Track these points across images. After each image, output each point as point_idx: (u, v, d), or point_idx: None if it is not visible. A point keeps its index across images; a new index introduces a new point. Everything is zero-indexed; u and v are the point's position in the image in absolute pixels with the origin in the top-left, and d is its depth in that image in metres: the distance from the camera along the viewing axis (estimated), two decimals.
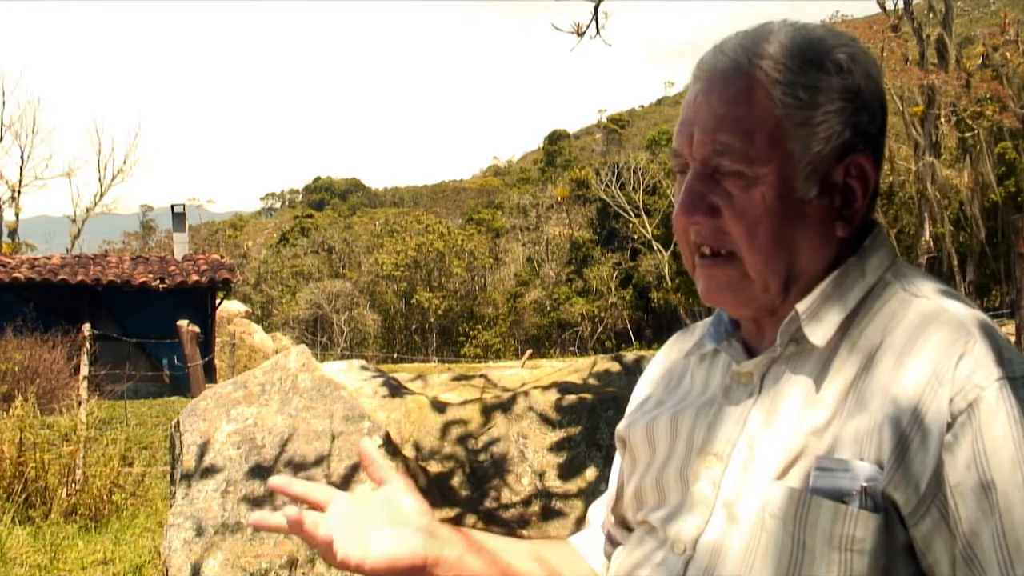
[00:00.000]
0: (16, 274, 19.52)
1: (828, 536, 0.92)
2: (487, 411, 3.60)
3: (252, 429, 3.46)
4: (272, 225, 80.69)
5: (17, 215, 34.33)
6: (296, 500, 1.12)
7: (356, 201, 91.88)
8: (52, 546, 6.40)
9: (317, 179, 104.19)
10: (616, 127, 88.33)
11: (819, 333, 1.01)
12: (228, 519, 3.29)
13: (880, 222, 1.09)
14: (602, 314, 43.82)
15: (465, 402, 3.67)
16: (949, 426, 0.90)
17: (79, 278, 19.59)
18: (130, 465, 8.51)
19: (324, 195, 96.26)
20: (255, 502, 3.31)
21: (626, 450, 1.19)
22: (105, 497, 7.41)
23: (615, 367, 4.06)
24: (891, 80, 27.23)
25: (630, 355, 4.34)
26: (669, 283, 41.35)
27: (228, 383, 3.72)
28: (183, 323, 13.53)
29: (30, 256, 24.54)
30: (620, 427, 1.21)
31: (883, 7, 29.99)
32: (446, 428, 3.55)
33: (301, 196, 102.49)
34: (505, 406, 3.59)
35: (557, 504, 3.37)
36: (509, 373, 4.28)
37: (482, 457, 3.46)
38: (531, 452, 3.46)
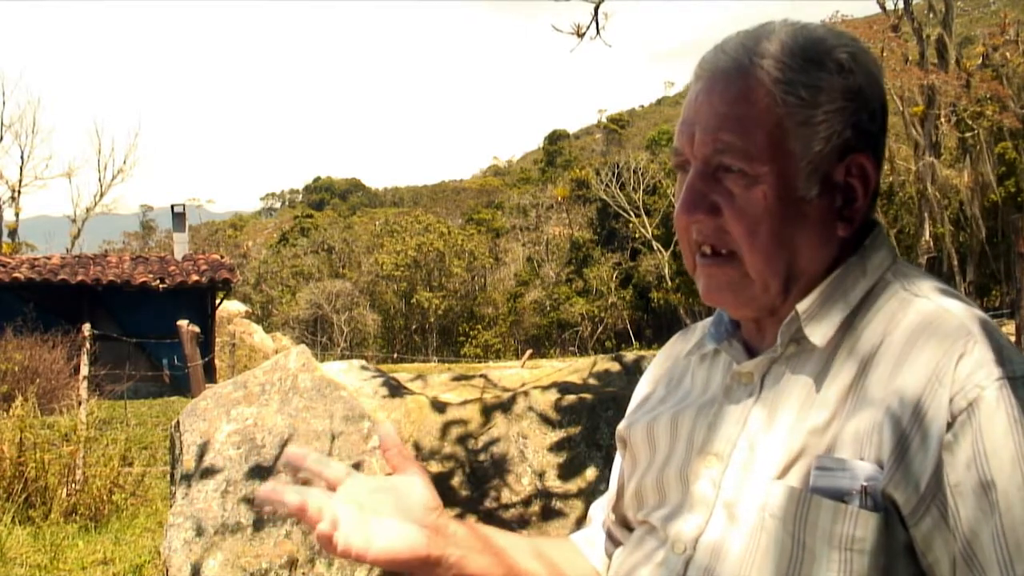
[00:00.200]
0: (16, 274, 19.53)
1: (828, 536, 0.93)
2: (487, 411, 3.60)
3: (252, 429, 3.46)
4: (272, 225, 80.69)
5: (17, 215, 34.34)
6: (308, 477, 1.09)
7: (356, 201, 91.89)
8: (52, 546, 6.40)
9: (317, 179, 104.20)
10: (616, 127, 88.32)
11: (819, 333, 1.01)
12: (228, 519, 3.29)
13: (880, 222, 1.09)
14: (602, 314, 43.82)
15: (465, 402, 3.67)
16: (949, 426, 0.90)
17: (79, 278, 19.59)
18: (130, 465, 8.52)
19: (324, 195, 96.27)
20: (255, 502, 3.31)
21: (626, 450, 1.19)
22: (105, 497, 7.41)
23: (615, 367, 4.06)
24: (891, 80, 27.22)
25: (630, 355, 4.34)
26: (669, 283, 41.35)
27: (228, 383, 3.71)
28: (183, 323, 13.52)
29: (30, 256, 24.54)
30: (620, 427, 1.21)
31: (883, 7, 29.99)
32: (446, 428, 3.55)
33: (301, 196, 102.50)
34: (505, 406, 3.59)
35: (557, 504, 3.37)
36: (509, 373, 4.28)
37: (482, 457, 3.46)
38: (531, 452, 3.46)
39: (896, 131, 29.56)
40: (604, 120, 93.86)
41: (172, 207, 24.25)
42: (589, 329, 43.85)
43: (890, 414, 0.92)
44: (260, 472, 3.36)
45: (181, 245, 23.00)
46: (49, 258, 21.96)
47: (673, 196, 1.10)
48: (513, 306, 46.12)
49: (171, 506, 3.47)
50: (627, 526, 1.19)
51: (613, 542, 1.22)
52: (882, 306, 1.01)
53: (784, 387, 1.01)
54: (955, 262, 30.72)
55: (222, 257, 23.87)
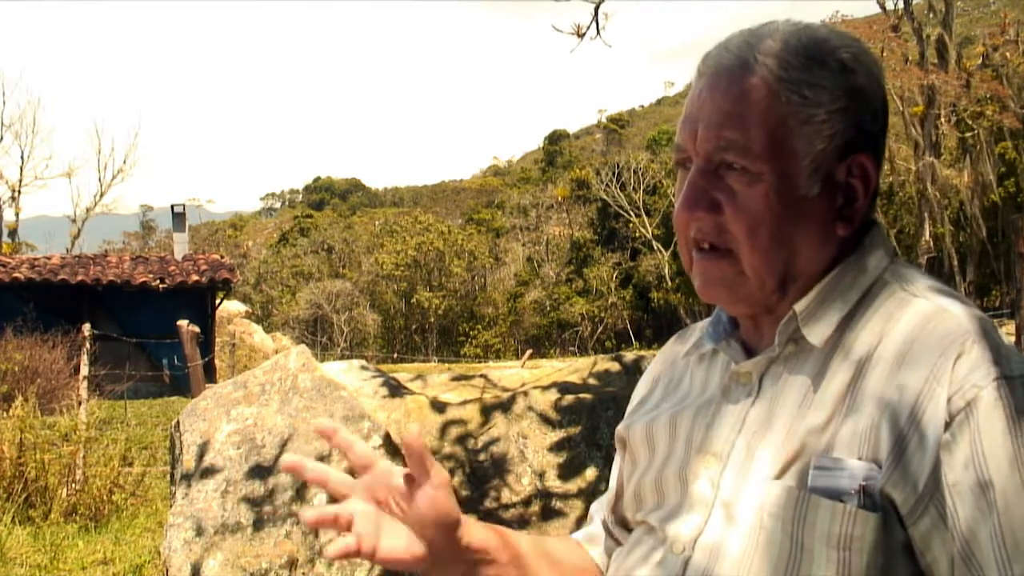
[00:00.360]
0: (16, 274, 19.52)
1: (826, 535, 0.93)
2: (487, 411, 3.60)
3: (252, 429, 3.46)
4: (272, 225, 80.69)
5: (17, 215, 34.33)
6: (313, 483, 1.08)
7: (356, 201, 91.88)
8: (52, 546, 6.40)
9: (317, 179, 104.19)
10: (616, 127, 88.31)
11: (817, 333, 1.01)
12: (228, 519, 3.29)
13: (879, 222, 1.09)
14: (602, 314, 43.80)
15: (465, 402, 3.67)
16: (947, 425, 0.90)
17: (79, 278, 19.59)
18: (130, 465, 8.51)
19: (324, 195, 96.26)
20: (255, 502, 3.31)
21: (626, 451, 1.20)
22: (105, 497, 7.41)
23: (615, 367, 4.06)
24: (891, 80, 27.19)
25: (630, 355, 4.34)
26: (669, 283, 41.34)
27: (228, 383, 3.72)
28: (183, 323, 13.52)
29: (30, 256, 24.54)
30: (619, 428, 1.21)
31: (883, 7, 29.98)
32: (446, 428, 3.55)
33: (301, 196, 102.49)
34: (505, 406, 3.59)
35: (557, 504, 3.37)
36: (509, 373, 4.28)
37: (482, 457, 3.46)
38: (531, 452, 3.46)
39: (896, 131, 29.54)
40: (604, 120, 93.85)
41: (172, 207, 24.25)
42: (589, 329, 43.84)
43: (888, 414, 0.93)
44: (260, 472, 3.37)
45: (181, 245, 23.00)
46: (49, 258, 21.96)
47: (673, 196, 1.10)
48: (513, 306, 46.12)
49: (171, 506, 3.47)
50: (626, 527, 1.19)
51: (613, 541, 1.22)
52: (880, 306, 1.01)
53: (782, 387, 1.02)
54: (955, 262, 30.71)
55: (222, 257, 23.87)
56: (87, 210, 34.99)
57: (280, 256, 55.77)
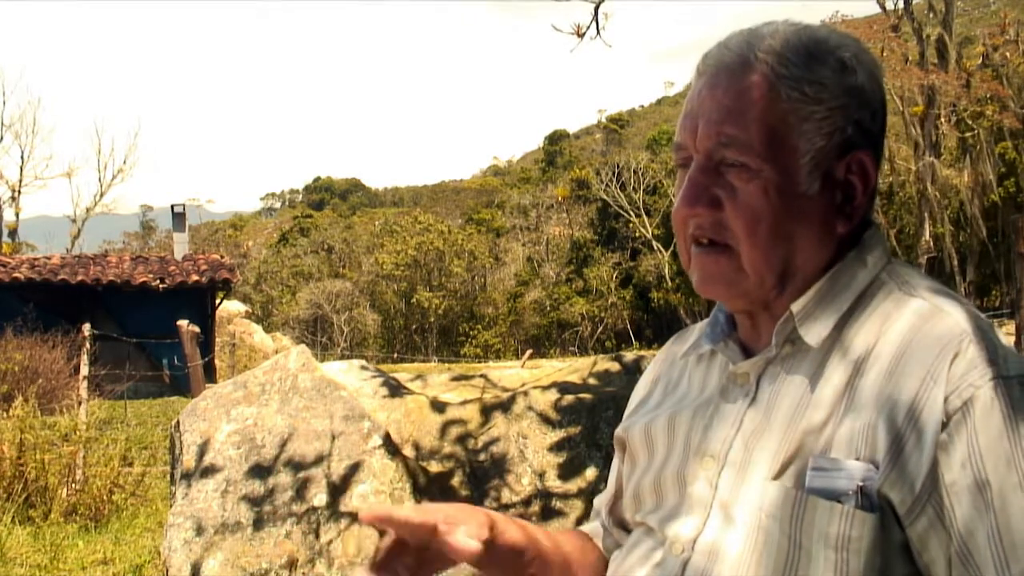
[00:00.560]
0: (16, 274, 19.52)
1: (824, 536, 0.93)
2: (487, 411, 3.60)
3: (252, 429, 3.46)
4: (272, 225, 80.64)
5: (17, 215, 34.31)
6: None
7: (356, 201, 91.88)
8: (52, 546, 6.40)
9: (317, 179, 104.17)
10: (616, 127, 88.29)
11: (814, 333, 1.01)
12: (228, 519, 3.29)
13: (876, 222, 1.09)
14: (602, 314, 43.80)
15: (465, 402, 3.67)
16: (944, 425, 0.90)
17: (79, 278, 19.59)
18: (130, 465, 8.51)
19: (324, 195, 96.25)
20: (255, 502, 3.31)
21: (624, 452, 1.20)
22: (105, 497, 7.41)
23: (615, 367, 4.06)
24: (891, 80, 27.19)
25: (630, 355, 4.34)
26: (669, 283, 41.35)
27: (228, 383, 3.72)
28: (183, 323, 13.52)
29: (30, 256, 24.53)
30: (618, 430, 1.22)
31: (883, 7, 29.96)
32: (446, 428, 3.55)
33: (301, 196, 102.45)
34: (505, 406, 3.59)
35: (557, 504, 3.37)
36: (509, 373, 4.29)
37: (482, 457, 3.46)
38: (531, 452, 3.46)
39: (896, 131, 29.53)
40: (604, 120, 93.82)
41: (172, 207, 24.24)
42: (589, 329, 43.83)
43: (885, 414, 0.93)
44: (260, 472, 3.37)
45: (181, 245, 22.99)
46: (49, 258, 21.95)
47: (673, 196, 1.10)
48: (513, 306, 46.12)
49: (171, 506, 3.47)
50: (624, 528, 1.20)
51: (612, 541, 1.23)
52: (877, 306, 1.01)
53: (780, 387, 1.02)
54: (955, 262, 30.70)
55: (222, 257, 23.87)
56: (87, 210, 34.98)
57: (280, 256, 55.77)
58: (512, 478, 3.41)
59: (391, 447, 3.41)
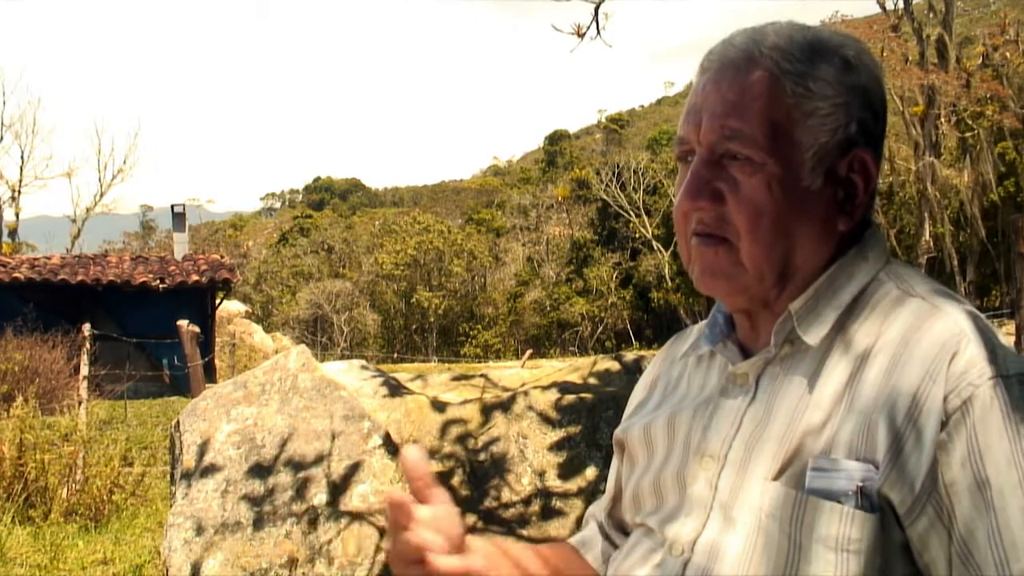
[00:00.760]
0: (16, 274, 19.52)
1: (824, 536, 0.93)
2: (487, 411, 3.60)
3: (252, 429, 3.46)
4: (272, 225, 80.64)
5: (17, 215, 34.30)
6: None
7: (356, 201, 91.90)
8: (52, 546, 6.40)
9: (317, 179, 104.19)
10: (616, 127, 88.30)
11: (813, 333, 1.01)
12: (228, 519, 3.29)
13: (875, 221, 1.09)
14: (602, 314, 43.81)
15: (465, 402, 3.67)
16: (943, 424, 0.90)
17: (79, 278, 19.59)
18: (130, 465, 8.51)
19: (324, 195, 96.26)
20: (255, 502, 3.31)
21: (624, 453, 1.20)
22: (105, 497, 7.41)
23: (615, 367, 4.06)
24: (891, 80, 27.18)
25: (630, 355, 4.34)
26: (669, 283, 41.35)
27: (228, 383, 3.72)
28: (183, 323, 13.52)
29: (30, 256, 24.53)
30: (617, 431, 1.22)
31: (883, 7, 29.96)
32: (446, 428, 3.55)
33: (301, 196, 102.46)
34: (505, 406, 3.59)
35: (557, 503, 3.37)
36: (509, 373, 4.28)
37: (482, 457, 3.46)
38: (531, 452, 3.46)
39: (896, 131, 29.54)
40: (604, 120, 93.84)
41: (172, 207, 24.24)
42: (589, 329, 43.84)
43: (885, 414, 0.93)
44: (260, 472, 3.37)
45: (181, 245, 22.99)
46: (49, 258, 21.95)
47: (673, 195, 1.10)
48: (513, 306, 46.12)
49: (171, 506, 3.47)
50: (623, 530, 1.19)
51: (609, 544, 1.22)
52: (876, 305, 1.01)
53: (779, 388, 1.02)
54: (955, 262, 30.70)
55: (222, 257, 23.86)
56: (87, 210, 34.98)
57: (280, 256, 55.77)
58: (512, 478, 3.41)
59: (391, 447, 3.41)
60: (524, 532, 3.30)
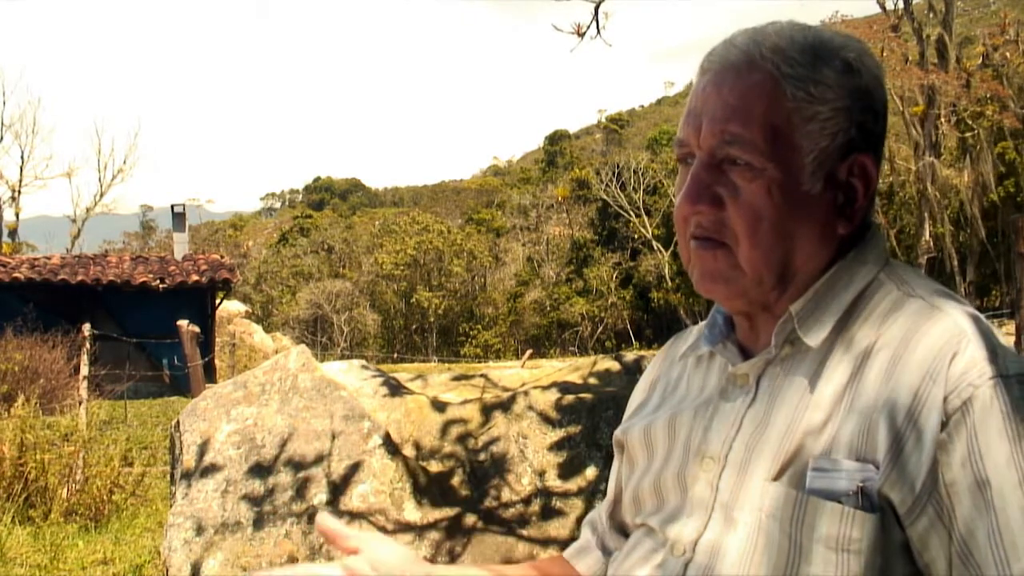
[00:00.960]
0: (16, 274, 19.53)
1: (824, 537, 0.93)
2: (487, 411, 3.60)
3: (252, 429, 3.46)
4: (272, 225, 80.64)
5: (17, 215, 34.31)
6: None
7: (356, 201, 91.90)
8: (52, 546, 6.40)
9: (317, 179, 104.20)
10: (616, 127, 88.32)
11: (813, 334, 1.01)
12: (228, 519, 3.29)
13: (876, 223, 1.09)
14: (602, 314, 43.81)
15: (465, 402, 3.67)
16: (943, 425, 0.90)
17: (79, 278, 19.59)
18: (130, 465, 8.52)
19: (324, 195, 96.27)
20: (255, 502, 3.31)
21: (624, 454, 1.20)
22: (105, 497, 7.41)
23: (615, 367, 4.06)
24: (891, 80, 27.18)
25: (630, 355, 4.34)
26: (669, 283, 41.36)
27: (228, 383, 3.72)
28: (183, 323, 13.53)
29: (30, 256, 24.53)
30: (617, 432, 1.22)
31: (883, 7, 29.96)
32: (446, 428, 3.55)
33: (301, 196, 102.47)
34: (505, 406, 3.59)
35: (557, 503, 3.37)
36: (509, 373, 4.28)
37: (482, 456, 3.46)
38: (531, 451, 3.46)
39: (896, 131, 29.54)
40: (604, 120, 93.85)
41: (172, 207, 24.24)
42: (589, 329, 43.85)
43: (885, 414, 0.93)
44: (260, 472, 3.37)
45: (181, 245, 22.99)
46: (49, 258, 21.95)
47: (673, 196, 1.10)
48: (513, 306, 46.13)
49: (171, 506, 3.47)
50: (623, 532, 1.19)
51: (607, 553, 1.22)
52: (876, 306, 1.01)
53: (779, 388, 1.02)
54: (955, 262, 30.71)
55: (222, 257, 23.87)
56: (87, 210, 34.99)
57: (280, 256, 55.77)
58: (512, 477, 3.41)
59: (391, 447, 3.41)
60: (524, 532, 3.30)
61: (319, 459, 3.37)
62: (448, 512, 3.31)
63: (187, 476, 3.41)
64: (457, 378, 4.10)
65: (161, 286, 19.87)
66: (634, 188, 45.42)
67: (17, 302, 17.95)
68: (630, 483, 1.16)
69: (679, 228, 1.06)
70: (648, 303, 43.62)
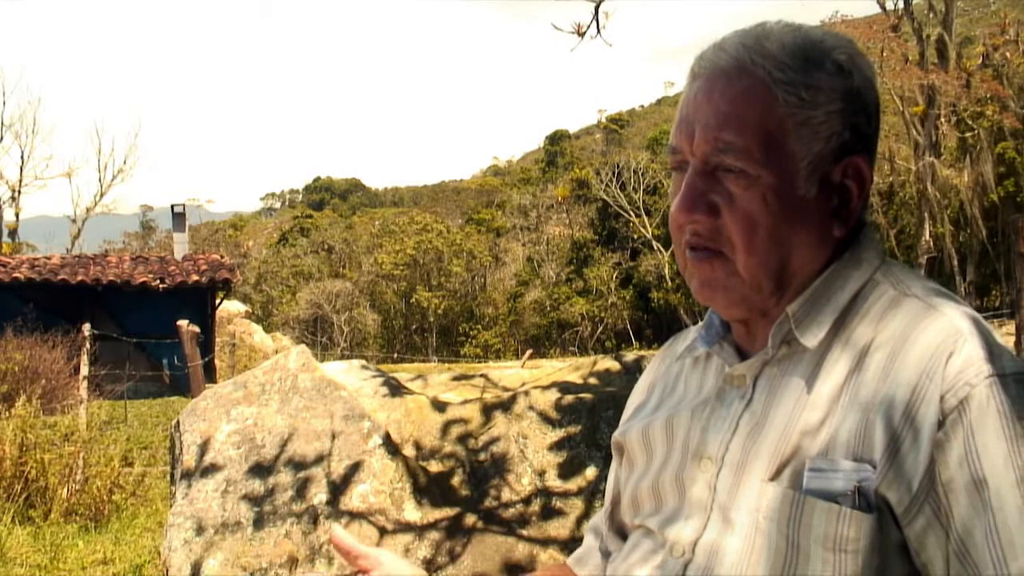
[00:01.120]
0: (16, 274, 19.51)
1: (822, 537, 0.93)
2: (487, 411, 3.60)
3: (252, 429, 3.46)
4: (272, 225, 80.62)
5: (17, 215, 34.29)
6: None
7: (356, 201, 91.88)
8: (52, 546, 6.40)
9: (317, 179, 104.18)
10: (616, 127, 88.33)
11: (810, 334, 1.01)
12: (228, 519, 3.29)
13: (870, 223, 1.09)
14: (602, 314, 43.79)
15: (465, 402, 3.67)
16: (940, 424, 0.90)
17: (79, 278, 19.58)
18: (130, 465, 8.52)
19: (324, 195, 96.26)
20: (255, 502, 3.31)
21: (623, 456, 1.20)
22: (105, 497, 7.41)
23: (615, 367, 4.07)
24: (891, 80, 27.19)
25: (630, 355, 4.34)
26: (669, 283, 41.33)
27: (228, 383, 3.72)
28: (183, 323, 13.53)
29: (30, 256, 24.51)
30: (616, 434, 1.22)
31: (883, 7, 29.94)
32: (446, 428, 3.55)
33: (301, 196, 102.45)
34: (505, 406, 3.60)
35: (557, 503, 3.37)
36: (509, 373, 4.29)
37: (482, 456, 3.47)
38: (531, 451, 3.47)
39: (896, 131, 29.55)
40: (604, 120, 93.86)
41: (172, 207, 24.22)
42: (589, 329, 43.83)
43: (882, 414, 0.93)
44: (260, 472, 3.37)
45: (181, 245, 22.98)
46: (49, 258, 21.94)
47: (671, 195, 1.09)
48: (513, 306, 46.12)
49: (171, 506, 3.47)
50: (623, 535, 1.19)
51: (607, 557, 1.22)
52: (872, 306, 1.01)
53: (776, 389, 1.02)
54: (955, 262, 30.70)
55: (222, 257, 23.85)
56: (87, 210, 34.97)
57: (280, 256, 55.73)
58: (512, 477, 3.42)
59: (391, 447, 3.41)
60: (524, 532, 3.30)
61: (319, 459, 3.37)
62: (448, 512, 3.32)
63: (187, 476, 3.41)
64: (457, 378, 4.10)
65: (161, 286, 19.86)
66: (634, 188, 45.41)
67: (17, 302, 17.94)
68: (629, 484, 1.16)
69: (675, 236, 1.06)
70: (648, 303, 43.60)
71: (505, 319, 46.35)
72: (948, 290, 1.03)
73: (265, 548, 3.24)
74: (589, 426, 3.52)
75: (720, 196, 1.01)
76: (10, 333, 13.06)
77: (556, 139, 75.72)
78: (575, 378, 3.96)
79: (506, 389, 3.83)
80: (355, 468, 3.35)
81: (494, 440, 3.49)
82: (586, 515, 3.28)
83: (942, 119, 29.03)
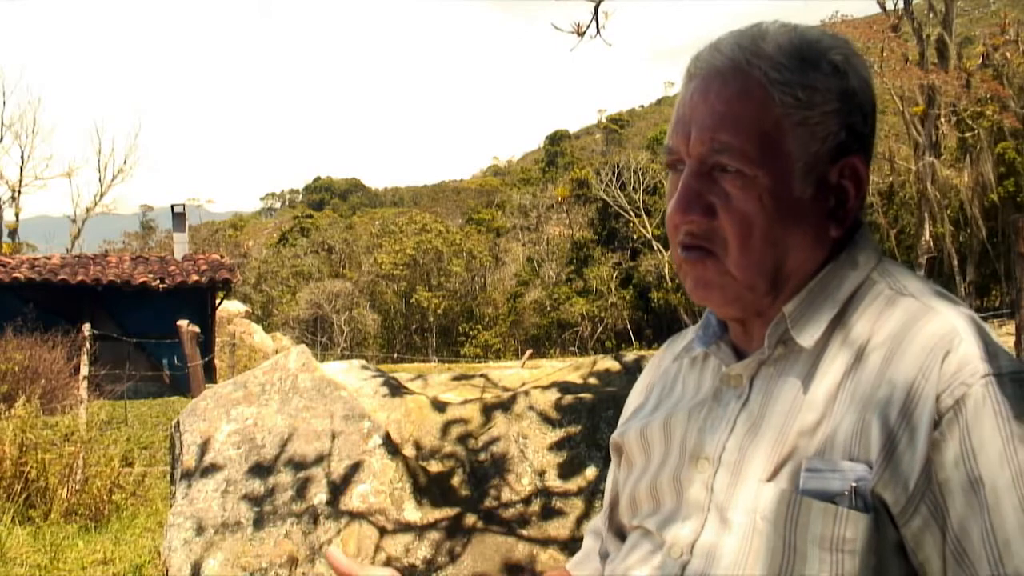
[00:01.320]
0: (16, 274, 19.51)
1: (819, 537, 0.93)
2: (487, 411, 3.60)
3: (252, 429, 3.46)
4: (272, 225, 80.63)
5: (17, 215, 34.28)
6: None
7: (356, 201, 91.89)
8: (52, 546, 6.41)
9: (317, 179, 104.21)
10: (616, 127, 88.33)
11: (807, 334, 1.01)
12: (228, 519, 3.29)
13: (866, 222, 1.09)
14: (602, 314, 43.79)
15: (465, 402, 3.68)
16: (936, 424, 0.90)
17: (79, 278, 19.58)
18: (130, 465, 8.52)
19: (324, 195, 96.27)
20: (255, 502, 3.32)
21: (621, 457, 1.20)
22: (105, 497, 7.42)
23: (615, 367, 4.07)
24: (891, 80, 27.20)
25: (630, 355, 4.34)
26: (669, 283, 41.33)
27: (228, 383, 3.72)
28: (183, 323, 13.53)
29: (30, 256, 24.50)
30: (614, 436, 1.22)
31: (883, 7, 29.93)
32: (446, 428, 3.56)
33: (301, 196, 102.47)
34: (505, 406, 3.60)
35: (557, 503, 3.37)
36: (509, 373, 4.29)
37: (482, 456, 3.47)
38: (531, 451, 3.47)
39: (896, 131, 29.55)
40: (604, 120, 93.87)
41: (172, 207, 24.22)
42: (589, 329, 43.82)
43: (878, 414, 0.93)
44: (260, 472, 3.37)
45: (181, 245, 22.98)
46: (49, 258, 21.93)
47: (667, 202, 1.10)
48: (513, 306, 46.11)
49: (171, 506, 3.47)
50: (621, 536, 1.20)
51: (606, 559, 1.22)
52: (868, 305, 1.01)
53: (773, 389, 1.02)
54: (955, 262, 30.69)
55: (222, 257, 23.84)
56: (87, 210, 34.97)
57: (280, 256, 55.73)
58: (512, 477, 3.42)
59: (391, 447, 3.41)
60: (524, 532, 3.30)
61: (319, 459, 3.37)
62: (448, 512, 3.32)
63: (187, 476, 3.41)
64: (457, 378, 4.11)
65: (161, 286, 19.86)
66: (634, 188, 45.40)
67: (17, 302, 17.93)
68: (627, 485, 1.16)
69: (671, 236, 1.06)
70: (648, 303, 43.60)
71: (505, 319, 46.35)
72: (946, 290, 1.04)
73: (265, 548, 3.24)
74: (589, 426, 3.52)
75: (716, 196, 1.01)
76: (10, 333, 13.05)
77: (556, 139, 75.71)
78: (575, 378, 3.96)
79: (506, 389, 3.83)
80: (355, 468, 3.35)
81: (494, 440, 3.50)
82: (586, 515, 3.29)
83: (942, 119, 29.03)
